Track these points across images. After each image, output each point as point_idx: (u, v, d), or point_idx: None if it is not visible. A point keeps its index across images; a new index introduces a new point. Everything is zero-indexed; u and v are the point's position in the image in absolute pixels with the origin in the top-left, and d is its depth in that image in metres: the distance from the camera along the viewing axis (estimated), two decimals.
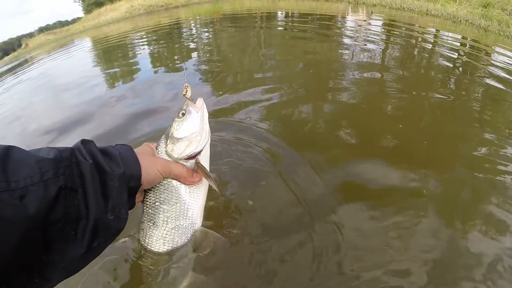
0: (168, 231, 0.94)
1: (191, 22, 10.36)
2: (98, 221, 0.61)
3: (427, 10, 8.22)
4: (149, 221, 0.93)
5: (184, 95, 0.98)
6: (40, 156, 0.56)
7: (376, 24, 6.75)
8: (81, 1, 29.38)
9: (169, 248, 0.95)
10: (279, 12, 9.82)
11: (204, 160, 0.98)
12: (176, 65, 4.42)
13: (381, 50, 4.13)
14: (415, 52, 4.26)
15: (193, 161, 0.94)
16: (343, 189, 1.50)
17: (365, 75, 3.06)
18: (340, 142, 1.90)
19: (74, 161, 0.60)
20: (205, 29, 8.13)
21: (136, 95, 3.27)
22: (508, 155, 1.78)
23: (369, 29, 5.97)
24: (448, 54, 4.13)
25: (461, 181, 1.59)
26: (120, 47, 7.36)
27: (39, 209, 0.51)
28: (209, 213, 1.29)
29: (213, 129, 1.96)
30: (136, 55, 5.85)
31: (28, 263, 0.53)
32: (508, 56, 4.27)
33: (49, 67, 7.06)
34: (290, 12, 9.71)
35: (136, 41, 7.86)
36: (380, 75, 3.09)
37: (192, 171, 0.93)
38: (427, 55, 4.16)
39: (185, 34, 7.77)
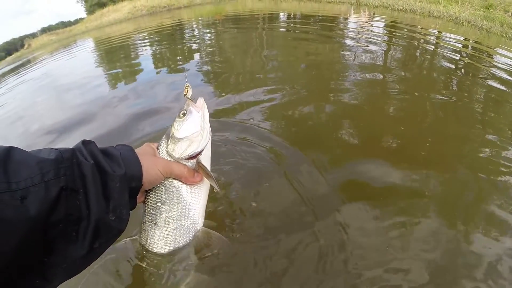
0: (169, 232, 0.94)
1: (193, 23, 10.37)
2: (99, 221, 0.61)
3: (429, 12, 8.21)
4: (151, 222, 0.93)
5: (185, 95, 0.98)
6: (41, 157, 0.56)
7: (378, 26, 6.74)
8: (83, 2, 29.52)
9: (171, 248, 0.95)
10: (281, 14, 9.82)
11: (205, 160, 0.98)
12: (178, 66, 4.43)
13: (383, 51, 4.13)
14: (417, 54, 4.26)
15: (194, 161, 0.94)
16: (347, 188, 1.50)
17: (367, 76, 3.05)
18: (342, 143, 1.90)
19: (75, 162, 0.60)
20: (207, 30, 8.14)
21: (138, 96, 3.28)
22: (510, 156, 1.77)
23: (371, 31, 5.96)
24: (450, 55, 4.12)
25: (463, 182, 1.59)
26: (123, 48, 7.37)
27: (40, 210, 0.51)
28: (211, 213, 1.29)
29: (216, 129, 1.99)
30: (139, 56, 5.86)
31: (29, 264, 0.53)
32: (510, 58, 4.26)
33: (52, 67, 7.08)
34: (292, 14, 9.71)
35: (139, 42, 7.87)
36: (382, 76, 3.09)
37: (193, 171, 0.93)
38: (429, 56, 4.15)
39: (187, 35, 7.77)
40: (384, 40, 4.88)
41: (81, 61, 6.91)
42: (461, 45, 5.12)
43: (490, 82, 3.01)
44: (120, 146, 0.76)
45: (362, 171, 1.64)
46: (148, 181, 0.79)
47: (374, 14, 8.59)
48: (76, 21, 26.15)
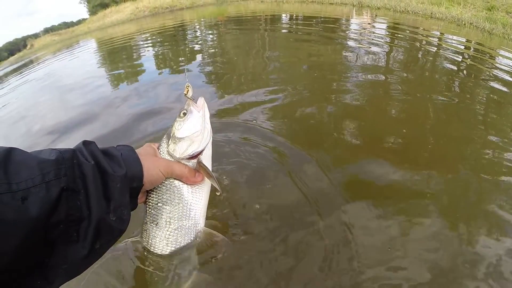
0: (171, 232, 0.94)
1: (196, 24, 10.39)
2: (100, 222, 0.61)
3: (431, 13, 8.18)
4: (152, 222, 0.93)
5: (185, 94, 0.98)
6: (42, 157, 0.56)
7: (381, 27, 6.73)
8: (86, 3, 29.62)
9: (173, 248, 0.95)
10: (284, 15, 9.82)
11: (206, 159, 0.97)
12: (180, 67, 4.44)
13: (385, 53, 4.12)
14: (419, 55, 4.25)
15: (195, 160, 0.94)
16: (350, 188, 1.51)
17: (369, 77, 3.05)
18: (345, 143, 1.90)
19: (75, 162, 0.60)
20: (210, 31, 8.15)
21: (140, 96, 3.29)
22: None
23: (374, 32, 5.96)
24: (452, 57, 4.11)
25: (466, 182, 1.58)
26: (125, 49, 7.39)
27: (41, 211, 0.51)
28: (216, 213, 1.30)
29: (219, 129, 1.99)
30: (141, 57, 5.88)
31: (29, 265, 0.53)
32: None
33: (54, 67, 7.11)
34: (294, 15, 9.72)
35: (141, 42, 7.89)
36: (384, 77, 3.08)
37: (194, 171, 0.93)
38: (431, 58, 4.14)
39: (189, 36, 7.79)
40: (386, 42, 4.87)
41: (84, 62, 6.93)
42: (463, 47, 5.11)
43: (492, 84, 2.99)
44: (121, 146, 0.76)
45: (365, 171, 1.65)
46: (149, 181, 0.79)
47: (376, 15, 8.58)
48: (79, 22, 26.26)
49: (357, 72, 3.25)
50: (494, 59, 4.31)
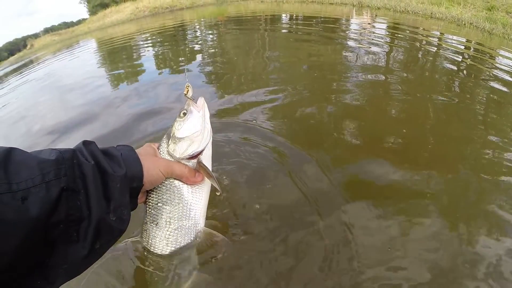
0: (171, 232, 0.94)
1: (196, 24, 10.39)
2: (100, 222, 0.61)
3: (431, 13, 8.18)
4: (152, 222, 0.93)
5: (185, 94, 0.98)
6: (42, 157, 0.56)
7: (381, 27, 6.73)
8: (86, 3, 29.61)
9: (173, 248, 0.95)
10: (284, 15, 9.82)
11: (206, 159, 0.97)
12: (180, 67, 4.44)
13: (385, 53, 4.12)
14: (419, 55, 4.25)
15: (195, 160, 0.94)
16: (350, 188, 1.51)
17: (369, 77, 3.05)
18: (345, 143, 1.91)
19: (75, 162, 0.60)
20: (210, 31, 8.15)
21: (140, 96, 3.29)
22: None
23: (374, 32, 5.96)
24: (452, 57, 4.11)
25: (466, 182, 1.59)
26: (125, 49, 7.40)
27: (41, 211, 0.51)
28: (216, 213, 1.30)
29: (219, 129, 2.00)
30: (141, 57, 5.88)
31: (30, 265, 0.53)
32: None
33: (54, 67, 7.11)
34: (294, 15, 9.72)
35: (141, 43, 7.90)
36: (384, 77, 3.08)
37: (194, 171, 0.93)
38: (431, 58, 4.14)
39: (189, 36, 7.79)
40: (386, 42, 4.87)
41: (84, 62, 6.93)
42: (463, 47, 5.11)
43: (492, 84, 2.99)
44: (121, 146, 0.76)
45: (365, 171, 1.65)
46: (149, 182, 0.79)
47: (376, 15, 8.57)
48: (79, 22, 26.27)
49: (357, 72, 3.25)
50: (494, 59, 4.31)
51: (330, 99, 2.57)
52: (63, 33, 23.07)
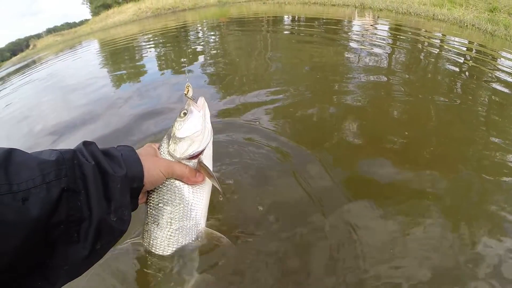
0: (172, 232, 0.94)
1: (198, 25, 10.40)
2: (101, 222, 0.61)
3: (433, 15, 8.16)
4: (153, 223, 0.93)
5: (185, 94, 0.98)
6: (42, 158, 0.56)
7: (383, 29, 6.72)
8: (89, 3, 29.71)
9: (174, 249, 0.95)
10: (286, 16, 9.82)
11: (207, 159, 0.97)
12: (182, 68, 4.45)
13: (387, 54, 4.12)
14: (422, 57, 4.24)
15: (195, 160, 0.94)
16: (353, 187, 1.52)
17: (371, 78, 3.05)
18: (348, 143, 1.91)
19: (76, 163, 0.60)
20: (212, 33, 8.16)
21: (142, 97, 3.30)
22: None
23: (376, 34, 5.95)
24: (455, 58, 4.10)
25: (467, 183, 1.58)
26: (127, 49, 7.42)
27: (42, 212, 0.51)
28: (216, 213, 1.30)
29: (222, 130, 2.00)
30: (143, 58, 5.90)
31: (30, 265, 0.53)
32: None
33: (57, 68, 7.14)
34: (296, 17, 9.72)
35: (143, 43, 7.92)
36: (386, 78, 3.08)
37: (195, 171, 0.92)
38: (433, 59, 4.13)
39: (192, 37, 7.80)
40: (388, 43, 4.87)
41: (86, 62, 6.96)
42: (465, 48, 5.09)
43: (495, 85, 2.99)
44: (121, 146, 0.76)
45: (367, 171, 1.66)
46: (149, 182, 0.79)
47: (378, 17, 8.56)
48: (81, 22, 26.43)
49: (359, 74, 3.25)
50: (496, 61, 4.29)
51: (332, 100, 2.57)
52: (65, 34, 23.17)
